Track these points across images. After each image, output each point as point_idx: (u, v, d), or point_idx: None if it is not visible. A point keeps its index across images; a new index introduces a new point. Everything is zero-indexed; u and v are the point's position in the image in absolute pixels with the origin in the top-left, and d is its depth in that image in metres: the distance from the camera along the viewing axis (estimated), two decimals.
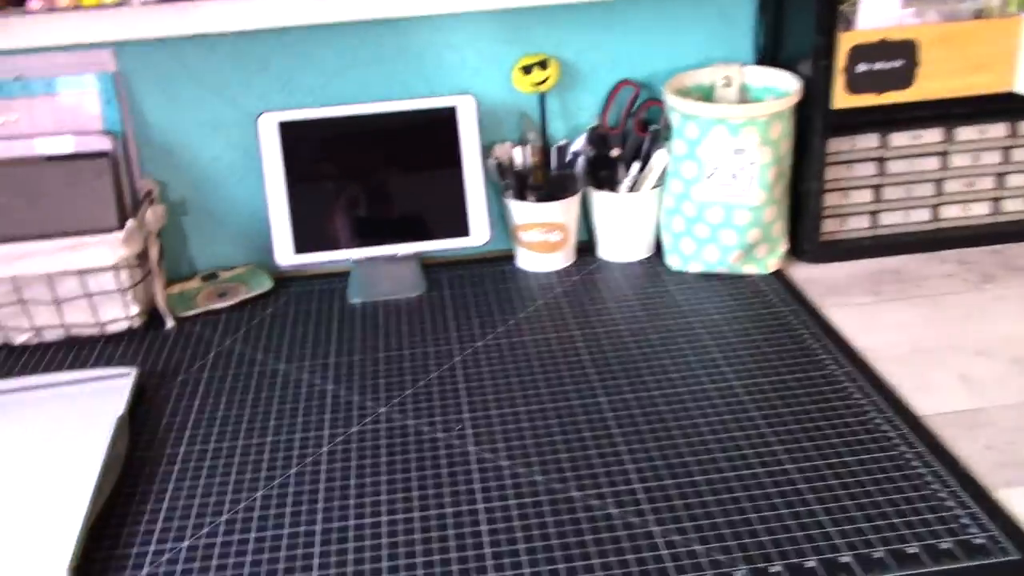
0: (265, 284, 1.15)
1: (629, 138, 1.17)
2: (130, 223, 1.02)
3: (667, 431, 0.86)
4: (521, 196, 1.14)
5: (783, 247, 1.13)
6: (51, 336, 1.06)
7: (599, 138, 1.17)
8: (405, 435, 0.87)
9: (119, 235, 1.00)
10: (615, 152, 1.14)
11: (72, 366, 1.02)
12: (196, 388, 0.97)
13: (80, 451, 0.84)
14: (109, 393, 0.93)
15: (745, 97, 1.15)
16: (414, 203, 1.14)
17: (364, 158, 1.12)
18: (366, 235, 1.14)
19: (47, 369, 1.02)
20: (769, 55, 1.17)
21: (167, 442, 0.89)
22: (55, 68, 1.07)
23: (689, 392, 0.92)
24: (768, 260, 1.13)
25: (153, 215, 1.07)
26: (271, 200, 1.11)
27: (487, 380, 0.95)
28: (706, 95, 1.15)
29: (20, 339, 1.05)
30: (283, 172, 1.11)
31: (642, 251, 1.19)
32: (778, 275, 1.13)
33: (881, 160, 1.13)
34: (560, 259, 1.17)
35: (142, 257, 1.06)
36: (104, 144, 1.06)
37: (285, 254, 1.13)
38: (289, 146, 1.10)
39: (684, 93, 1.11)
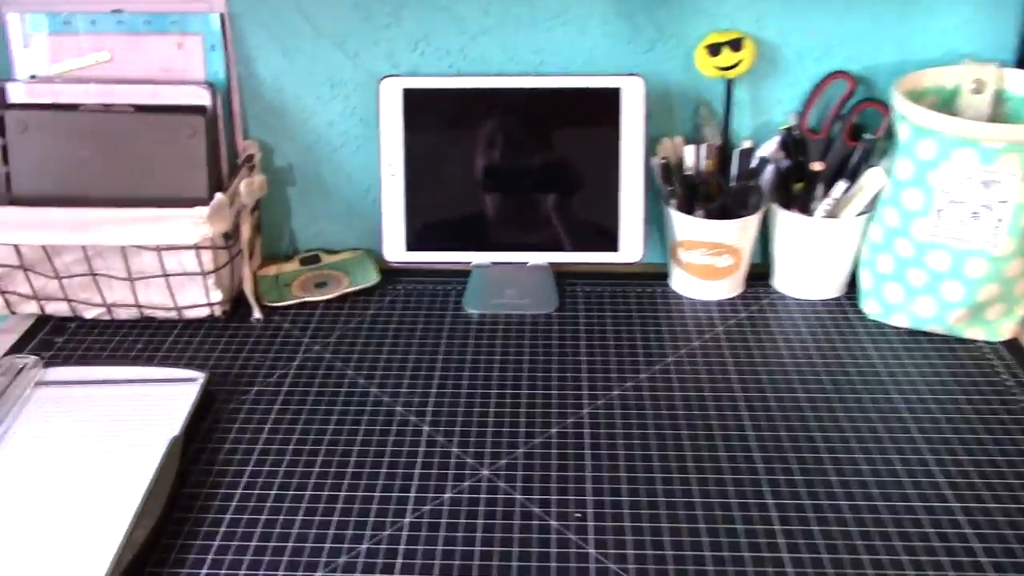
0: (371, 277, 0.98)
1: (834, 147, 0.92)
2: (219, 197, 0.86)
3: (843, 529, 0.64)
4: (688, 207, 0.92)
5: (1021, 310, 0.87)
6: (124, 314, 0.92)
7: (795, 143, 0.93)
8: (509, 509, 0.69)
9: (203, 210, 0.84)
10: (817, 166, 0.89)
11: (143, 352, 0.88)
12: (271, 405, 0.81)
13: (126, 470, 0.70)
14: (170, 401, 0.78)
15: (1000, 109, 0.89)
16: (556, 204, 0.93)
17: (501, 143, 0.92)
18: (494, 236, 0.95)
19: (116, 351, 0.88)
20: None
21: (227, 472, 0.73)
22: (157, 3, 0.92)
23: (877, 483, 0.70)
24: (1001, 324, 0.87)
25: (249, 187, 0.90)
26: (385, 182, 0.93)
27: (619, 439, 0.75)
28: (947, 101, 0.89)
29: (91, 314, 0.92)
30: (403, 150, 0.92)
31: (831, 289, 0.95)
32: (1012, 345, 0.87)
33: None
34: (726, 287, 0.95)
35: (231, 236, 0.90)
36: (202, 97, 0.90)
37: (395, 249, 0.95)
38: (413, 119, 0.92)
39: (918, 96, 0.86)
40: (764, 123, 0.96)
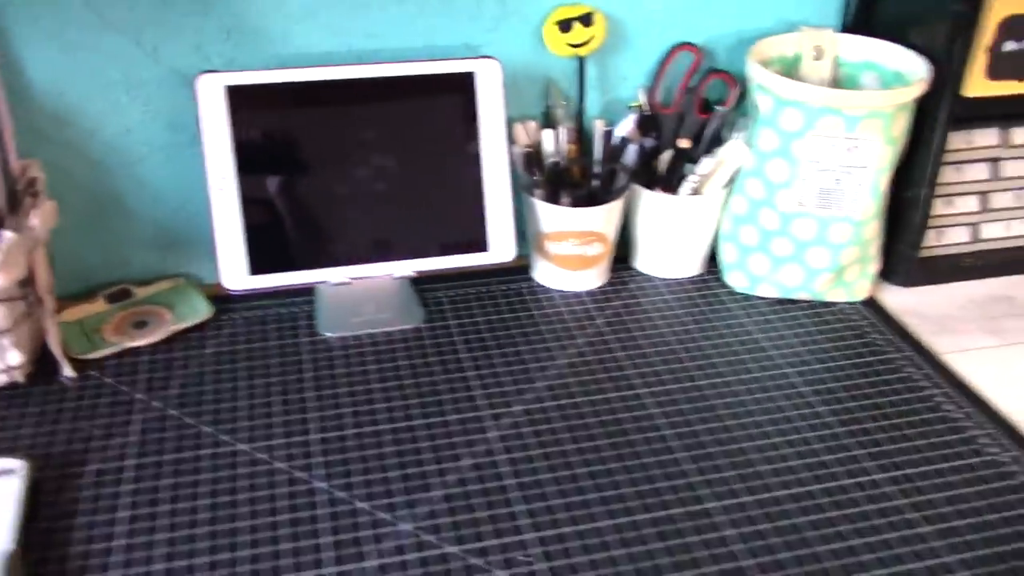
0: (200, 310, 0.83)
1: (685, 122, 0.90)
2: (9, 236, 0.68)
3: (760, 479, 0.63)
4: (554, 197, 0.86)
5: (874, 268, 0.90)
6: None
7: (647, 121, 0.90)
8: (448, 567, 0.60)
9: None
10: (684, 142, 0.87)
11: None
12: (117, 487, 0.66)
13: None
14: None
15: (837, 75, 0.90)
16: (413, 206, 0.84)
17: (344, 143, 0.81)
18: (348, 249, 0.84)
19: None
20: (861, 19, 0.92)
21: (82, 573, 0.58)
22: None
23: (787, 442, 0.71)
24: (858, 284, 0.90)
25: (42, 218, 0.73)
26: (215, 198, 0.79)
27: (539, 460, 0.68)
28: (789, 69, 0.89)
29: None
30: (232, 159, 0.78)
31: (694, 266, 0.93)
32: (870, 303, 0.90)
33: (995, 161, 0.91)
34: (595, 276, 0.91)
35: (26, 282, 0.72)
36: None
37: (236, 275, 0.81)
38: (240, 122, 0.78)
39: (764, 65, 0.85)
40: (612, 101, 0.92)
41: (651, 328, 0.85)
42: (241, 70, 0.78)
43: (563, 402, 0.75)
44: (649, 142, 0.87)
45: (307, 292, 0.87)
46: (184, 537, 0.62)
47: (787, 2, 0.92)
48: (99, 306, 0.84)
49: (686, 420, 0.74)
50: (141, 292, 0.86)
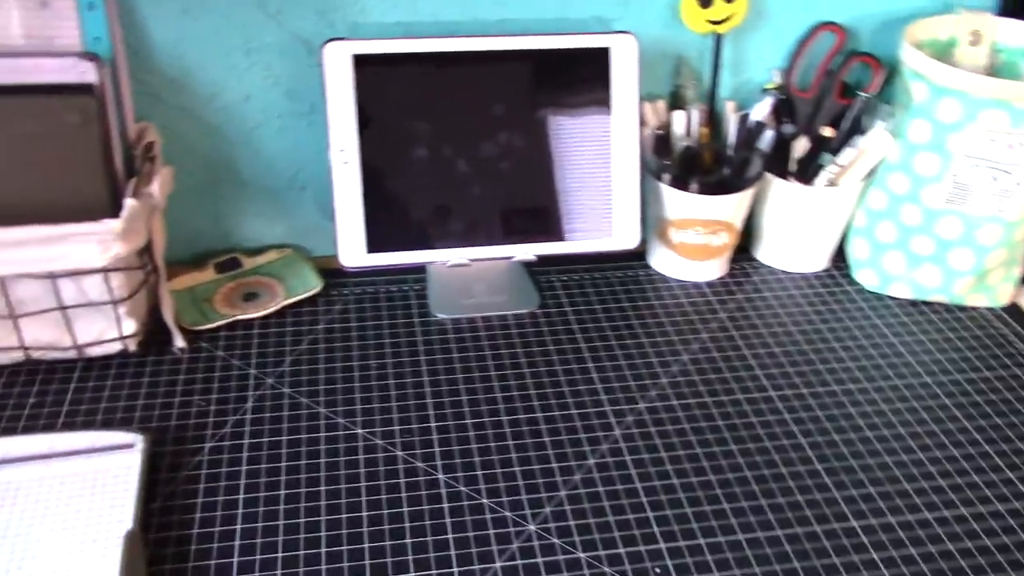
0: (310, 283, 0.81)
1: (823, 107, 0.84)
2: (131, 204, 0.66)
3: (904, 497, 0.59)
4: (683, 183, 0.81)
5: (1019, 271, 0.84)
6: (2, 359, 0.71)
7: (780, 105, 0.84)
8: (580, 574, 0.57)
9: (115, 224, 0.64)
10: (827, 131, 0.81)
11: (38, 411, 0.68)
12: (237, 467, 0.64)
13: None
14: (104, 480, 0.60)
15: (995, 62, 0.84)
16: (537, 184, 0.80)
17: (473, 116, 0.78)
18: (468, 229, 0.80)
19: None
20: (1022, 1, 0.85)
21: (207, 570, 0.56)
22: None
23: (921, 444, 0.65)
24: (1000, 289, 0.84)
25: (160, 184, 0.71)
26: (337, 171, 0.76)
27: (667, 464, 0.65)
28: (940, 54, 0.83)
29: None
30: (356, 131, 0.75)
31: (820, 261, 0.88)
32: (1012, 310, 0.84)
33: None
34: (716, 267, 0.86)
35: (143, 250, 0.70)
36: (86, 73, 0.69)
37: (354, 251, 0.78)
38: (366, 93, 0.75)
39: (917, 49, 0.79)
40: (744, 82, 0.87)
41: (777, 325, 0.81)
42: (364, 38, 0.75)
43: (689, 401, 0.72)
44: (789, 128, 0.82)
45: (418, 270, 0.84)
46: (307, 524, 0.59)
47: None
48: (208, 274, 0.82)
49: (821, 427, 0.69)
50: (250, 262, 0.84)
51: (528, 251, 0.81)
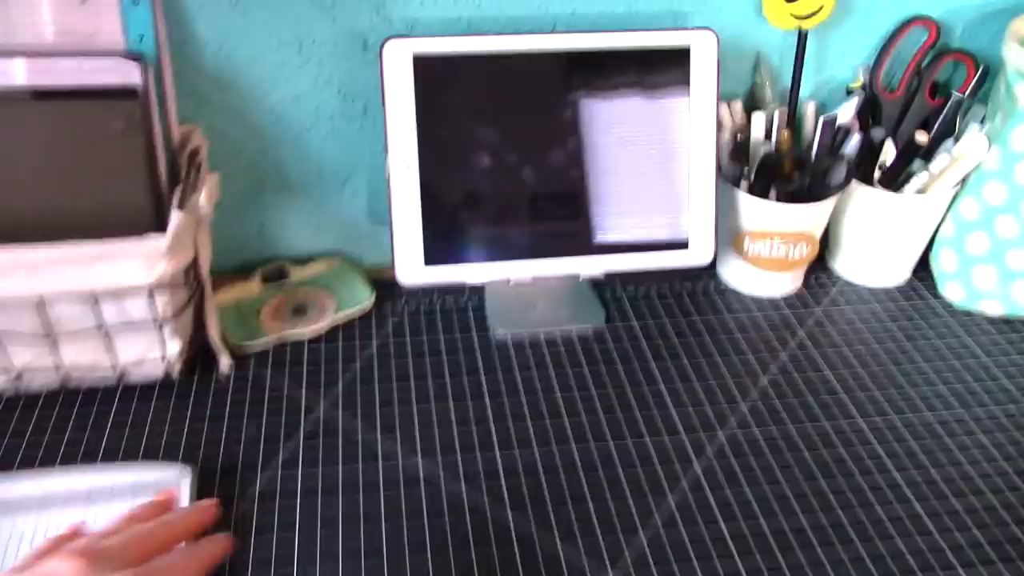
0: (361, 297, 0.76)
1: (911, 109, 0.78)
2: (179, 216, 0.61)
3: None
4: (763, 191, 0.76)
5: None
6: (39, 382, 0.66)
7: (865, 106, 0.78)
8: None
9: (161, 240, 0.60)
10: (921, 136, 0.75)
11: (72, 442, 0.63)
12: (292, 500, 0.59)
13: None
14: None
15: None
16: (606, 195, 0.74)
17: (540, 122, 0.72)
18: (532, 242, 0.75)
19: (35, 438, 0.63)
20: None
21: None
22: None
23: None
24: None
25: (207, 194, 0.66)
26: (395, 179, 0.71)
27: (752, 497, 0.60)
28: None
29: None
30: (416, 136, 0.70)
31: (903, 274, 0.83)
32: None
33: None
34: (792, 280, 0.81)
35: (189, 267, 0.66)
36: (129, 74, 0.64)
37: (411, 266, 0.73)
38: (426, 95, 0.69)
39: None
40: (824, 81, 0.81)
41: (860, 344, 0.75)
42: (424, 35, 0.69)
43: (772, 427, 0.66)
44: (879, 133, 0.76)
45: (476, 287, 0.79)
46: (369, 568, 0.55)
47: None
48: (254, 286, 0.77)
49: (918, 462, 0.64)
50: (297, 273, 0.79)
51: (596, 266, 0.75)
